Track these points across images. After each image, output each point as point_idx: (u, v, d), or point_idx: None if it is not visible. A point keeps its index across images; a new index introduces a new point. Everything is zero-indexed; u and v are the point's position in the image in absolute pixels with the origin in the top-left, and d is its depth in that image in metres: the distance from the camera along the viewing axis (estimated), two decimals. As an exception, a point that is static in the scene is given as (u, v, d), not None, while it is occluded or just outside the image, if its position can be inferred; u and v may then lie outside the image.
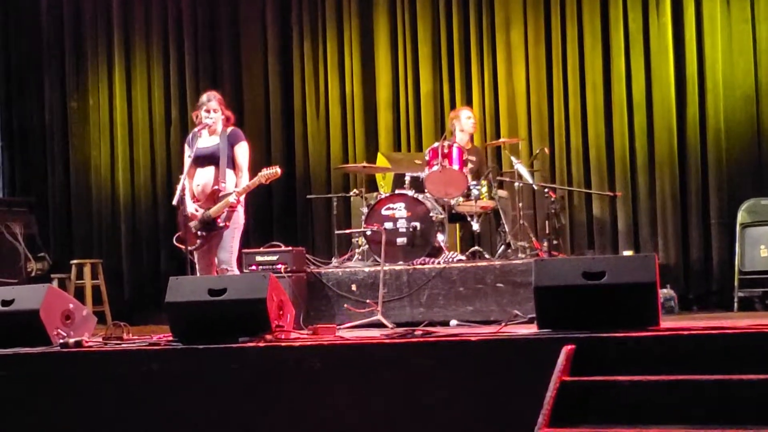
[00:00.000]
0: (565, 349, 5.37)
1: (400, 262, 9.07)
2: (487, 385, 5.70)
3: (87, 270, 11.29)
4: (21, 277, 11.37)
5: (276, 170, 7.95)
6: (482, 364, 5.73)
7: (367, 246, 9.40)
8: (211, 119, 8.00)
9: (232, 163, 7.98)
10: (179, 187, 7.88)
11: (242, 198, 7.97)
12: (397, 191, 9.55)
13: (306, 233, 11.77)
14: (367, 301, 8.56)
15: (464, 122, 9.99)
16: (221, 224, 7.86)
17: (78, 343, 6.56)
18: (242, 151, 8.02)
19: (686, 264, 10.43)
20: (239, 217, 7.98)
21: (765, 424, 4.78)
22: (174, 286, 6.56)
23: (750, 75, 10.29)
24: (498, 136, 10.99)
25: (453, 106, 10.95)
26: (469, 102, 11.18)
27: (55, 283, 10.82)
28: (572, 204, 10.91)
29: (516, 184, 9.62)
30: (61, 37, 12.90)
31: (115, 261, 12.37)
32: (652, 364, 5.31)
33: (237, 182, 7.96)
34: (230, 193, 7.86)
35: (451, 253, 9.18)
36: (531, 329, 6.10)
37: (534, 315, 6.08)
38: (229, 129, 8.07)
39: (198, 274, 7.95)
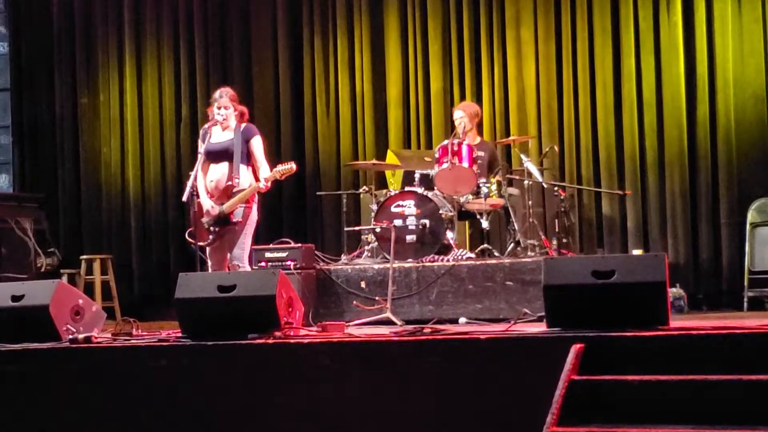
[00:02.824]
0: (575, 348, 5.37)
1: (410, 260, 9.06)
2: (496, 383, 5.70)
3: (97, 266, 11.31)
4: (31, 273, 11.39)
5: (291, 165, 7.96)
6: (491, 362, 5.73)
7: (376, 243, 9.40)
8: (222, 116, 8.01)
9: (246, 159, 7.99)
10: (189, 184, 7.89)
11: (256, 194, 7.99)
12: (406, 188, 9.53)
13: (315, 230, 11.77)
14: (377, 298, 8.56)
15: (456, 124, 9.86)
16: (235, 220, 7.86)
17: (87, 339, 6.58)
18: (257, 145, 8.03)
19: (696, 263, 10.42)
20: (253, 214, 7.99)
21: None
22: (183, 283, 6.57)
23: (761, 74, 10.27)
24: (508, 134, 10.98)
25: (463, 104, 10.93)
26: (479, 99, 11.17)
27: (64, 279, 10.85)
28: (582, 202, 10.90)
29: (526, 182, 9.61)
30: (71, 33, 12.92)
31: (125, 257, 12.39)
32: (662, 363, 5.31)
33: (256, 176, 7.97)
34: (243, 189, 7.86)
35: (461, 250, 9.17)
36: (540, 328, 6.10)
37: (543, 313, 6.08)
38: (243, 125, 8.08)
39: (210, 270, 7.97)
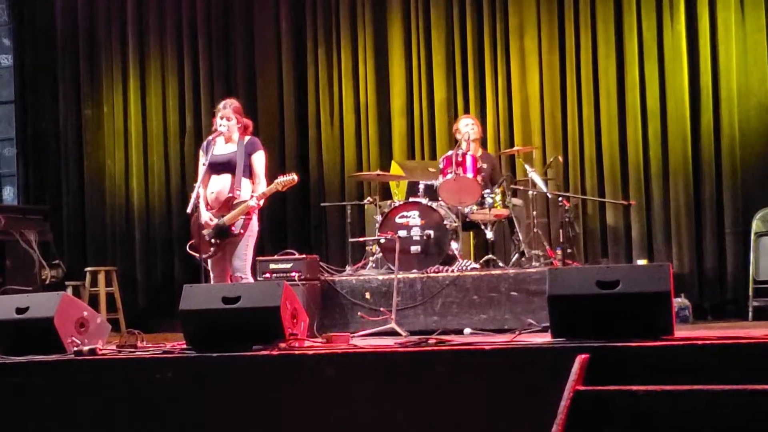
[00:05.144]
0: (579, 359, 5.35)
1: (414, 270, 9.06)
2: (501, 394, 5.68)
3: (101, 277, 11.32)
4: (35, 285, 11.39)
5: (293, 177, 7.97)
6: (496, 373, 5.72)
7: (380, 254, 9.40)
8: (225, 127, 8.02)
9: (249, 172, 7.99)
10: (193, 195, 7.90)
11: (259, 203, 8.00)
12: (411, 199, 9.54)
13: (320, 241, 11.77)
14: (381, 309, 8.57)
15: (463, 131, 9.87)
16: (236, 232, 7.87)
17: (92, 351, 6.56)
18: (259, 160, 8.04)
19: (700, 273, 10.40)
20: (254, 224, 7.99)
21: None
22: (188, 294, 6.56)
23: (765, 83, 10.27)
24: (512, 144, 10.99)
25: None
26: (482, 110, 11.19)
27: (69, 291, 10.84)
28: (586, 212, 10.89)
29: (530, 192, 9.62)
30: (75, 45, 12.94)
31: (130, 268, 12.40)
32: (667, 373, 5.29)
33: (254, 190, 7.98)
34: (244, 201, 7.87)
35: (465, 261, 9.17)
36: (545, 338, 6.08)
37: (548, 324, 6.07)
38: (247, 138, 8.08)
39: (212, 282, 7.97)
